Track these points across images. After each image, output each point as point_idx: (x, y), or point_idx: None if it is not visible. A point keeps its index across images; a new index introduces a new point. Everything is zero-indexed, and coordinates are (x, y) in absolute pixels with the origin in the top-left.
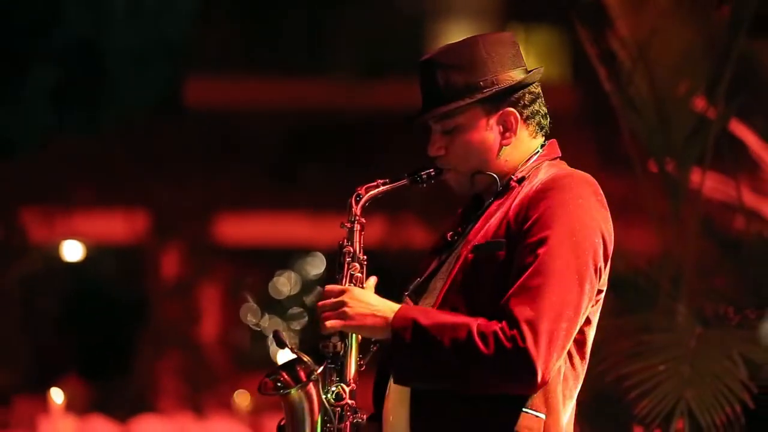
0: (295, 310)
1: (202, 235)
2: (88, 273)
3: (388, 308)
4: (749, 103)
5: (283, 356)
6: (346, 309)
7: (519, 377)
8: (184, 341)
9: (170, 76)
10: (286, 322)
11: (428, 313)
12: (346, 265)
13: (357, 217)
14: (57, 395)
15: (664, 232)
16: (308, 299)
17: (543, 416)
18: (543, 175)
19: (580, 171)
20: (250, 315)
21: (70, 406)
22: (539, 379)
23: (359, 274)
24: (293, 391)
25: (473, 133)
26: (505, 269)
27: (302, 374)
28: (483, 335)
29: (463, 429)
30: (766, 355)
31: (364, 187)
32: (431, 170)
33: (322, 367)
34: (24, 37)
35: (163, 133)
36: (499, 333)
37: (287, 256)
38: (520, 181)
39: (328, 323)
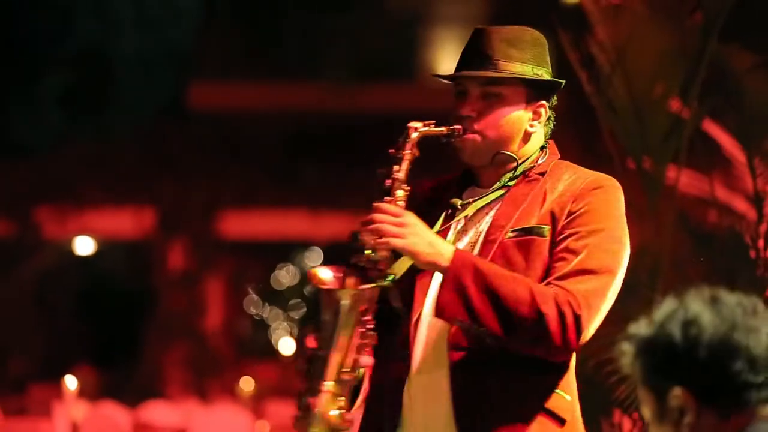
0: (295, 300)
1: (207, 231)
2: (99, 267)
3: (444, 244)
4: (721, 104)
5: (284, 344)
6: (407, 231)
7: (569, 342)
8: (190, 331)
9: (175, 81)
10: (287, 312)
11: (487, 263)
12: (395, 191)
13: (412, 147)
14: (70, 382)
15: (641, 226)
16: (307, 290)
17: (569, 398)
18: (572, 172)
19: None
20: (252, 306)
21: (83, 393)
22: (577, 345)
23: (401, 203)
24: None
25: (511, 108)
26: (547, 256)
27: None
28: (543, 295)
29: (502, 408)
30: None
31: (414, 125)
32: (460, 127)
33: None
34: (37, 45)
35: (168, 136)
36: (558, 298)
37: (287, 251)
38: (542, 174)
39: (392, 240)
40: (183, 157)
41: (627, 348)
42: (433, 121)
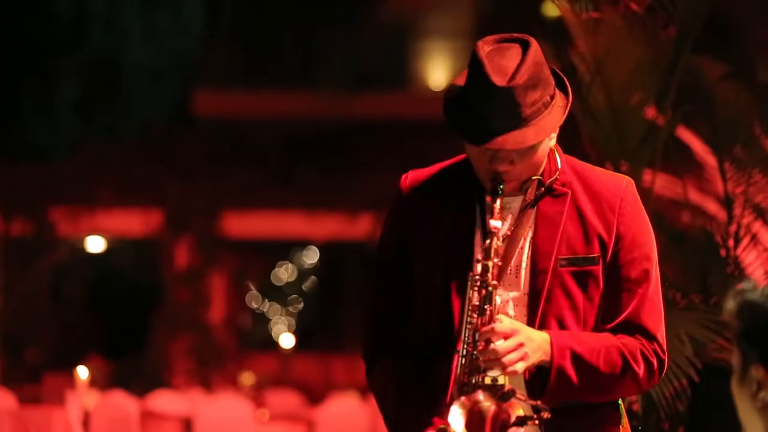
0: (293, 296)
1: (210, 230)
2: (109, 264)
3: (543, 340)
4: (694, 111)
5: (285, 339)
6: (526, 351)
7: (654, 383)
8: (195, 324)
9: (181, 89)
10: (286, 307)
11: (576, 338)
12: (494, 300)
13: (497, 252)
14: (82, 372)
15: None
16: (305, 286)
17: (620, 402)
18: (592, 178)
19: (621, 174)
20: (253, 300)
21: (94, 382)
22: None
23: (499, 306)
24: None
25: (543, 145)
26: (602, 282)
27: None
28: (632, 354)
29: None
30: (709, 335)
31: (492, 225)
32: (501, 182)
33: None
34: (53, 56)
35: (175, 140)
36: (644, 350)
37: (285, 249)
38: (565, 184)
39: (518, 367)
40: (188, 160)
41: (733, 298)
42: (494, 203)
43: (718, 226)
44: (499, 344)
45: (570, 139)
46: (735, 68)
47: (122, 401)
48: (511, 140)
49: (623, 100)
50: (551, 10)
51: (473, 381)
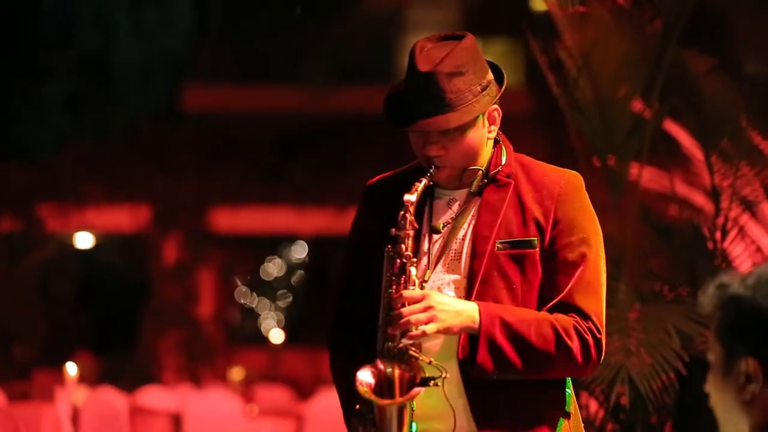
0: (282, 291)
1: (199, 226)
2: (98, 260)
3: (468, 307)
4: (680, 105)
5: (274, 334)
6: (435, 313)
7: (593, 363)
8: (183, 319)
9: (170, 85)
10: (275, 302)
11: (508, 309)
12: (409, 271)
13: (412, 222)
14: (71, 368)
15: (606, 220)
16: (293, 280)
17: (570, 392)
18: (538, 170)
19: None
20: (242, 296)
21: (83, 378)
22: (599, 362)
23: (415, 278)
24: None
25: (473, 132)
26: (539, 266)
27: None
28: (565, 329)
29: (515, 406)
30: (697, 328)
31: (408, 198)
32: (431, 169)
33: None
34: (41, 53)
35: (163, 136)
36: (578, 326)
37: (274, 244)
38: (509, 176)
39: (427, 328)
40: (176, 156)
41: (712, 293)
42: (417, 182)
43: (705, 218)
44: (407, 307)
45: (557, 134)
46: (721, 62)
47: (111, 397)
48: (434, 123)
49: (610, 93)
50: (538, 4)
51: (388, 348)
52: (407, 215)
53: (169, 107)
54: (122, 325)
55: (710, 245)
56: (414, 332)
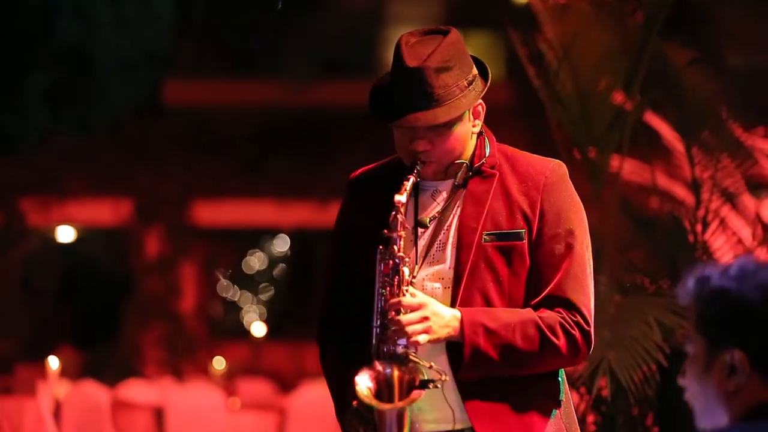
0: (264, 284)
1: (181, 219)
2: (80, 253)
3: (453, 316)
4: (661, 97)
5: (256, 328)
6: (430, 324)
7: (582, 355)
8: (166, 313)
9: (151, 79)
10: (257, 296)
11: (491, 314)
12: (402, 272)
13: (403, 223)
14: (53, 362)
15: (587, 212)
16: (275, 274)
17: (561, 380)
18: (522, 161)
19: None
20: (224, 289)
21: (65, 372)
22: (589, 352)
23: (408, 278)
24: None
25: (459, 127)
26: (527, 258)
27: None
28: (551, 327)
29: (507, 397)
30: (677, 320)
31: (399, 199)
32: (418, 164)
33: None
34: (22, 46)
35: (145, 130)
36: (564, 322)
37: (256, 237)
38: (493, 167)
39: (420, 338)
40: (158, 150)
41: (692, 286)
42: (406, 181)
43: (686, 211)
44: (404, 316)
45: (538, 126)
46: (702, 54)
47: (93, 391)
48: (423, 118)
49: (591, 85)
50: None
51: (384, 350)
52: (398, 216)
53: (151, 101)
54: (104, 319)
55: (691, 237)
56: (411, 341)
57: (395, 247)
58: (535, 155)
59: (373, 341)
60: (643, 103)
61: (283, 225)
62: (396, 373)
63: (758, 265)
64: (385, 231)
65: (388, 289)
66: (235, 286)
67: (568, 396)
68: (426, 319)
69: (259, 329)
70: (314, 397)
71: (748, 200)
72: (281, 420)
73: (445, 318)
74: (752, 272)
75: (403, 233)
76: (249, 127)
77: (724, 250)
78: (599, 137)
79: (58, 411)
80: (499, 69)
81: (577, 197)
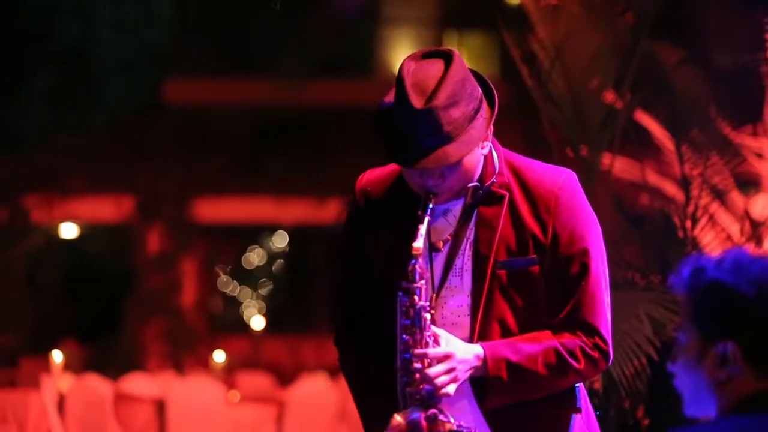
0: (263, 279)
1: (181, 216)
2: (83, 250)
3: (476, 356)
4: (651, 96)
5: (256, 322)
6: (457, 374)
7: (599, 372)
8: (167, 308)
9: (151, 78)
10: (256, 291)
11: (512, 347)
12: (424, 318)
13: (423, 273)
14: (57, 356)
15: None
16: (274, 269)
17: (579, 385)
18: (529, 176)
19: (556, 166)
20: (224, 284)
21: (69, 366)
22: (608, 366)
23: (430, 323)
24: None
25: (470, 157)
26: (543, 281)
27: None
28: (571, 353)
29: (534, 410)
30: (668, 314)
31: (417, 246)
32: (431, 198)
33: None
34: (24, 47)
35: (146, 129)
36: (584, 346)
37: (255, 234)
38: (503, 186)
39: (450, 389)
40: (159, 148)
41: (687, 277)
42: (420, 227)
43: (676, 207)
44: (432, 369)
45: (531, 125)
46: (691, 54)
47: (96, 384)
48: (434, 159)
49: (583, 85)
50: None
51: (410, 394)
52: (417, 267)
53: (151, 100)
54: (107, 314)
55: (681, 233)
56: (442, 392)
57: (415, 298)
58: (543, 165)
59: (398, 383)
60: (634, 102)
61: (281, 222)
62: (423, 421)
63: (752, 258)
64: (404, 283)
65: (410, 338)
66: (235, 281)
67: (586, 400)
68: (453, 370)
69: (258, 323)
70: (312, 389)
71: (736, 197)
72: (280, 412)
73: (469, 362)
74: (746, 266)
75: (423, 283)
76: (248, 126)
77: (713, 245)
78: (591, 136)
79: (61, 404)
80: (493, 69)
81: (589, 208)
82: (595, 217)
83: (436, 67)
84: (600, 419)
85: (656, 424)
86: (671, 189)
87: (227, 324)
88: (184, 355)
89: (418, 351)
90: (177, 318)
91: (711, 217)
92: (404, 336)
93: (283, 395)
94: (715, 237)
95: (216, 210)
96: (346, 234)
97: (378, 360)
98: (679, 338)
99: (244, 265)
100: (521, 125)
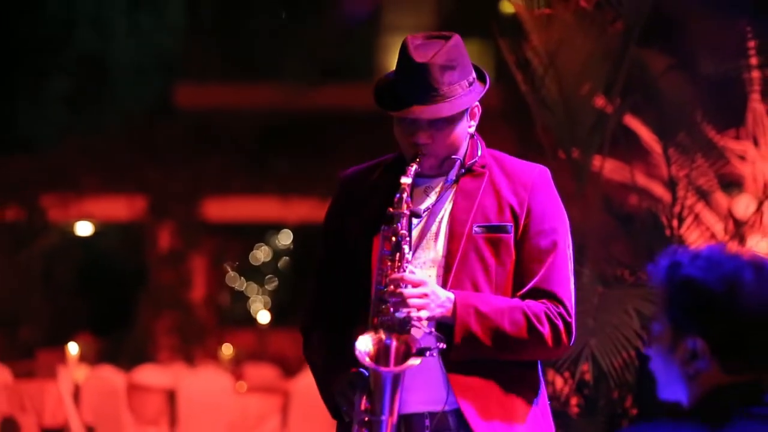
0: (269, 275)
1: (191, 215)
2: (97, 247)
3: (447, 298)
4: (640, 101)
5: (262, 316)
6: (429, 301)
7: (564, 346)
8: (177, 303)
9: (162, 83)
10: (263, 286)
11: (482, 299)
12: (403, 249)
13: (407, 202)
14: (73, 349)
15: (570, 209)
16: (280, 266)
17: (537, 369)
18: (508, 163)
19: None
20: (232, 280)
21: (84, 358)
22: (570, 344)
23: (408, 255)
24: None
25: (459, 124)
26: (513, 250)
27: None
28: (537, 316)
29: (497, 384)
30: (655, 309)
31: (405, 181)
32: (418, 157)
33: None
34: (43, 52)
35: (157, 131)
36: (549, 312)
37: (261, 232)
38: (484, 167)
39: (422, 313)
40: (169, 149)
41: (664, 270)
42: (409, 167)
43: (663, 207)
44: (407, 290)
45: (524, 128)
46: (678, 61)
47: (110, 375)
48: (427, 111)
49: (574, 90)
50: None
51: (381, 321)
52: (403, 195)
53: (162, 103)
54: (120, 308)
55: (668, 232)
56: (412, 314)
57: (398, 225)
58: (523, 161)
59: (371, 312)
60: (623, 107)
61: (286, 220)
62: (394, 342)
63: (725, 255)
64: (390, 209)
65: (388, 263)
66: (242, 277)
67: (544, 389)
68: (426, 295)
69: (264, 317)
70: None
71: (720, 197)
72: (285, 402)
73: (441, 298)
74: (719, 263)
75: (407, 212)
76: (254, 128)
77: (698, 243)
78: (582, 138)
79: (77, 394)
80: (489, 75)
81: (560, 202)
82: (565, 212)
83: (438, 41)
84: (590, 408)
85: (644, 414)
86: (659, 190)
87: (235, 318)
88: (194, 347)
89: (394, 275)
90: (187, 312)
91: (696, 217)
92: (383, 266)
93: (288, 386)
94: (701, 235)
95: (224, 209)
96: (325, 223)
97: (342, 349)
98: (654, 327)
99: (250, 262)
100: (515, 128)
